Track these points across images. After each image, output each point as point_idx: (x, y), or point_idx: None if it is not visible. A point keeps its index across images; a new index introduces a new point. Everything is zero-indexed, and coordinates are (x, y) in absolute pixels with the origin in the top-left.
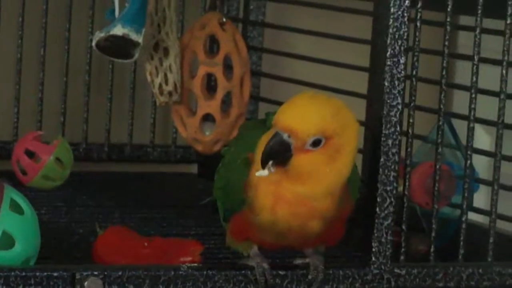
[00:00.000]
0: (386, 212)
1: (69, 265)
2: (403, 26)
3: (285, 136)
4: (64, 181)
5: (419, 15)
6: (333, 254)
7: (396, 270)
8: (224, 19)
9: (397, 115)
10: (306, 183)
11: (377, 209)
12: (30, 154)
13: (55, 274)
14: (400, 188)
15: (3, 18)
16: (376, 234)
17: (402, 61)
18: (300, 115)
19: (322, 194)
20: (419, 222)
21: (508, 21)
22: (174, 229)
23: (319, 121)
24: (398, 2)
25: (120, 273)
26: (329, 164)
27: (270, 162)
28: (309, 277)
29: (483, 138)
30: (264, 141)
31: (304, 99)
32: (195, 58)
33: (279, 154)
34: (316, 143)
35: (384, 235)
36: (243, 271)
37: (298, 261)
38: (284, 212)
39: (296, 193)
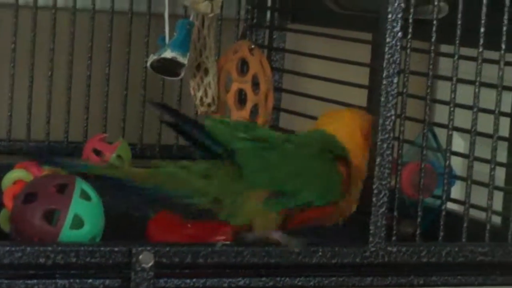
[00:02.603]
0: (381, 201)
1: (127, 242)
2: (396, 53)
3: None
4: None
5: (409, 44)
6: (339, 234)
7: (389, 248)
8: (253, 46)
9: (391, 124)
10: None
11: (374, 199)
12: (97, 152)
13: (116, 249)
14: (393, 182)
15: (76, 44)
16: (373, 219)
17: (395, 81)
18: None
19: None
20: (408, 209)
21: (480, 50)
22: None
23: None
24: (392, 33)
25: (167, 248)
26: None
27: None
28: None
29: (459, 143)
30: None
31: None
32: (229, 77)
33: None
34: None
35: (380, 220)
36: (265, 248)
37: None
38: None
39: None
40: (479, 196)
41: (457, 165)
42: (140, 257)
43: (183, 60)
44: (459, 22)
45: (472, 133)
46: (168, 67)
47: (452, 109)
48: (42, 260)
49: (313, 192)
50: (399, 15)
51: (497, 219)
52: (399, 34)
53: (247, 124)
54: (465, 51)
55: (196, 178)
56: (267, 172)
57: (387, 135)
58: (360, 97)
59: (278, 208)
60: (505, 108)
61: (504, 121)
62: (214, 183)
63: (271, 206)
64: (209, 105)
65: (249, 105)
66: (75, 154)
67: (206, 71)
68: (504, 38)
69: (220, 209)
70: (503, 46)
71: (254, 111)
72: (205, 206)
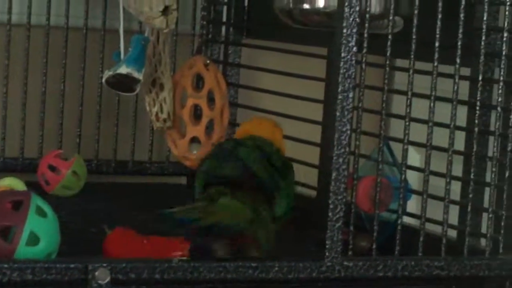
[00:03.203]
0: (337, 216)
1: (83, 258)
2: (351, 68)
3: None
4: (79, 190)
5: (364, 58)
6: (294, 249)
7: (345, 263)
8: (208, 61)
9: (346, 139)
10: None
11: (330, 214)
12: (52, 168)
13: (72, 265)
14: (349, 197)
15: (30, 60)
16: (329, 234)
17: (350, 95)
18: None
19: None
20: (364, 224)
21: (435, 64)
22: (167, 229)
23: None
24: (347, 48)
25: (124, 264)
26: None
27: None
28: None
29: (415, 157)
30: None
31: None
32: (185, 92)
33: None
34: None
35: (336, 235)
36: (222, 263)
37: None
38: None
39: None
40: (435, 210)
41: (413, 179)
42: (96, 273)
43: (138, 75)
44: (413, 37)
45: (428, 147)
46: (124, 83)
47: (407, 123)
48: None
49: None
50: (354, 30)
51: (453, 233)
52: (354, 49)
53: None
54: (420, 65)
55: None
56: None
57: (342, 150)
58: (315, 111)
59: None
60: (460, 122)
61: (460, 135)
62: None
63: None
64: (164, 120)
65: (204, 120)
66: (31, 170)
67: (162, 87)
68: (458, 52)
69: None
70: (458, 61)
71: (210, 126)
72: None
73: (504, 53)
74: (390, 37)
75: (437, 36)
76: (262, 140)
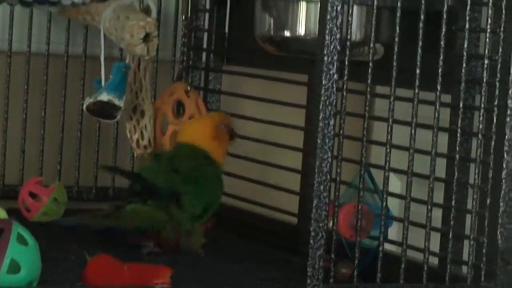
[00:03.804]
0: (318, 243)
1: (63, 285)
2: (332, 95)
3: None
4: (60, 216)
5: (345, 86)
6: (275, 276)
7: None
8: (189, 88)
9: (328, 166)
10: None
11: (311, 241)
12: (33, 195)
13: None
14: (330, 224)
15: (11, 86)
16: (310, 261)
17: (331, 123)
18: None
19: None
20: (345, 251)
21: (416, 91)
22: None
23: None
24: (328, 76)
25: None
26: None
27: None
28: None
29: (396, 184)
30: None
31: None
32: (165, 119)
33: None
34: None
35: (317, 262)
36: None
37: None
38: None
39: None
40: (416, 236)
41: (394, 206)
42: None
43: (119, 102)
44: (394, 64)
45: (409, 174)
46: (104, 110)
47: (388, 150)
48: None
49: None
50: (335, 57)
51: (434, 260)
52: (335, 76)
53: None
54: (401, 92)
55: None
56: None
57: (323, 177)
58: (296, 138)
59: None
60: (441, 149)
61: (441, 162)
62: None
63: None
64: (145, 147)
65: None
66: (11, 196)
67: (142, 113)
68: (439, 79)
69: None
70: (439, 88)
71: None
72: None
73: (484, 80)
74: (370, 64)
75: (418, 63)
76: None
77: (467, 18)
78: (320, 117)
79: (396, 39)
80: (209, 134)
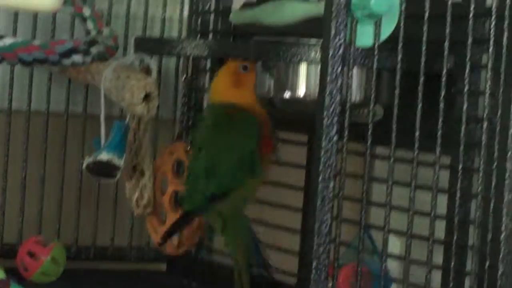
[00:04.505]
0: None
1: None
2: (332, 157)
3: None
4: (58, 276)
5: (345, 147)
6: None
7: None
8: (189, 147)
9: (327, 228)
10: None
11: None
12: (31, 255)
13: None
14: (330, 285)
15: (11, 145)
16: None
17: (331, 185)
18: None
19: None
20: None
21: (416, 153)
22: None
23: None
24: (328, 137)
25: None
26: None
27: None
28: None
29: (395, 244)
30: None
31: None
32: (165, 178)
33: None
34: None
35: None
36: None
37: None
38: None
39: None
40: None
41: (394, 267)
42: None
43: (119, 162)
44: (394, 125)
45: (408, 235)
46: (104, 169)
47: (387, 212)
48: None
49: None
50: (335, 119)
51: None
52: (335, 138)
53: None
54: (400, 153)
55: None
56: None
57: (323, 239)
58: (296, 198)
59: None
60: (441, 210)
61: (440, 223)
62: None
63: None
64: (145, 207)
65: None
66: (10, 255)
67: (142, 173)
68: (439, 141)
69: None
70: (438, 149)
71: None
72: None
73: (483, 142)
74: (370, 125)
75: (418, 124)
76: None
77: (466, 80)
78: (320, 179)
79: (396, 101)
80: (230, 82)
